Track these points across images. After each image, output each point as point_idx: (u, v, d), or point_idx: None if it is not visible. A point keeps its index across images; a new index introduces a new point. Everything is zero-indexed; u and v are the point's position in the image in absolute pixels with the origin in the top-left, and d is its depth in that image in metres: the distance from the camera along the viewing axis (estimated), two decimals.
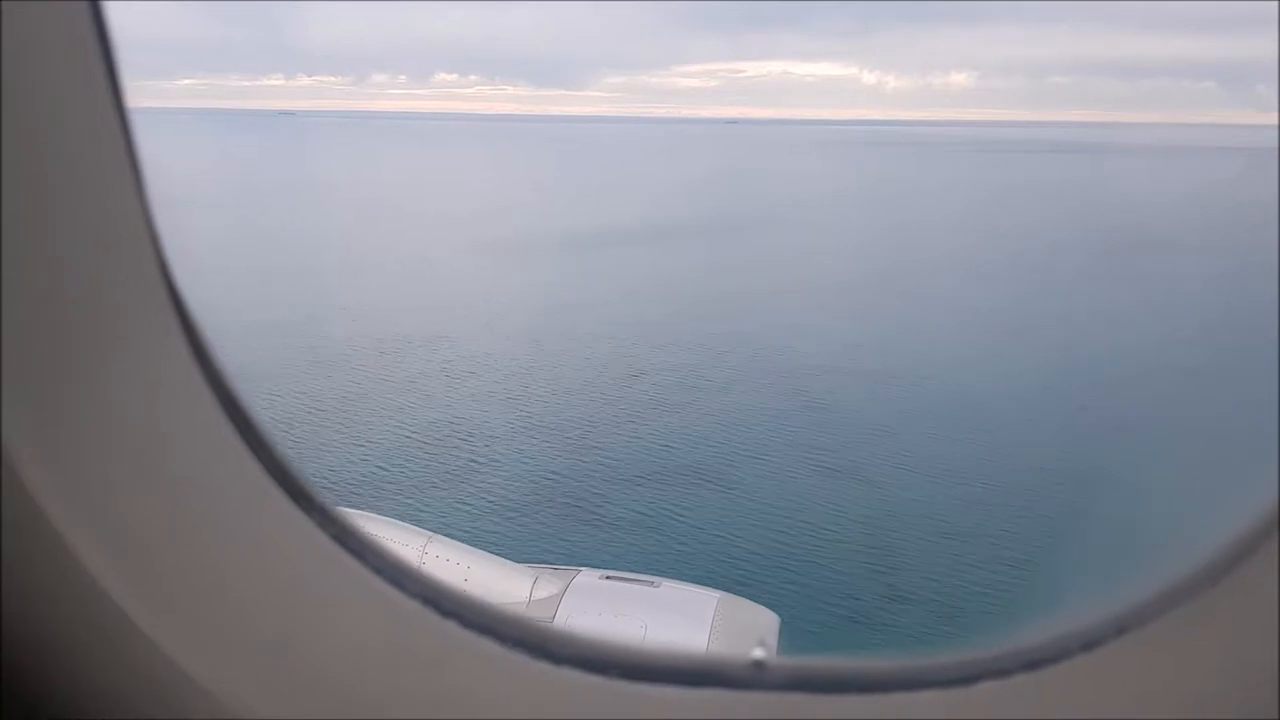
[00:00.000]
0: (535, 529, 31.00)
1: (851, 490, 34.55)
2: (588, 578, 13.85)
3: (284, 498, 1.52)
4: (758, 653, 1.50)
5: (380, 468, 36.02)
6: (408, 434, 39.29)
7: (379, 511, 17.42)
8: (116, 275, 1.39)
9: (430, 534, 13.73)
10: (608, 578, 14.11)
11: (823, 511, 32.65)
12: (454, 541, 14.01)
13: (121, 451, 1.39)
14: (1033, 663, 1.47)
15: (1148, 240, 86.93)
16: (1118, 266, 78.30)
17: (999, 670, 1.47)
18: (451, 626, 1.52)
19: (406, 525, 14.37)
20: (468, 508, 32.45)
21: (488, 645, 1.51)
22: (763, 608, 14.32)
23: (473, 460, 36.86)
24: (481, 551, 14.38)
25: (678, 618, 13.29)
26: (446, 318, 59.57)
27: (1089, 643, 1.46)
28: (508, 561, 14.48)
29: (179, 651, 1.39)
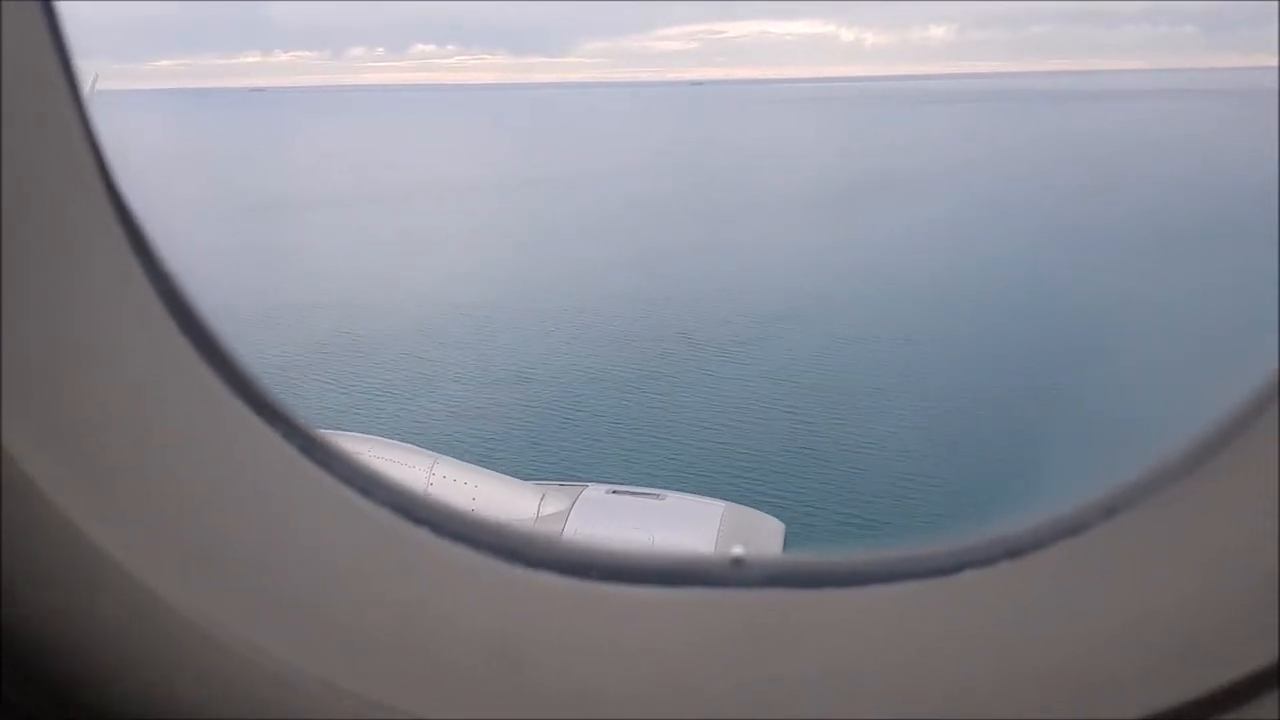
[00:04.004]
0: None
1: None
2: (594, 492, 13.99)
3: (244, 408, 1.47)
4: (737, 550, 1.49)
5: None
6: None
7: None
8: (49, 171, 1.29)
9: (436, 455, 13.76)
10: (614, 492, 14.27)
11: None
12: (460, 462, 14.06)
13: (62, 357, 1.32)
14: (1017, 550, 1.44)
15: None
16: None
17: (982, 559, 1.44)
18: (423, 534, 1.49)
19: (411, 447, 14.36)
20: None
21: (461, 552, 1.49)
22: (768, 515, 14.58)
23: None
24: (488, 470, 14.47)
25: (684, 527, 13.42)
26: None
27: (1075, 527, 1.44)
28: (514, 479, 14.59)
29: (139, 568, 1.35)
